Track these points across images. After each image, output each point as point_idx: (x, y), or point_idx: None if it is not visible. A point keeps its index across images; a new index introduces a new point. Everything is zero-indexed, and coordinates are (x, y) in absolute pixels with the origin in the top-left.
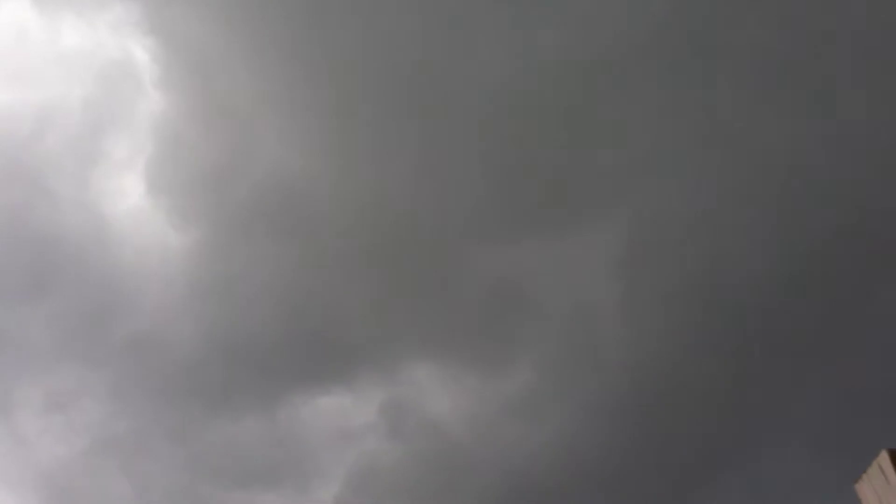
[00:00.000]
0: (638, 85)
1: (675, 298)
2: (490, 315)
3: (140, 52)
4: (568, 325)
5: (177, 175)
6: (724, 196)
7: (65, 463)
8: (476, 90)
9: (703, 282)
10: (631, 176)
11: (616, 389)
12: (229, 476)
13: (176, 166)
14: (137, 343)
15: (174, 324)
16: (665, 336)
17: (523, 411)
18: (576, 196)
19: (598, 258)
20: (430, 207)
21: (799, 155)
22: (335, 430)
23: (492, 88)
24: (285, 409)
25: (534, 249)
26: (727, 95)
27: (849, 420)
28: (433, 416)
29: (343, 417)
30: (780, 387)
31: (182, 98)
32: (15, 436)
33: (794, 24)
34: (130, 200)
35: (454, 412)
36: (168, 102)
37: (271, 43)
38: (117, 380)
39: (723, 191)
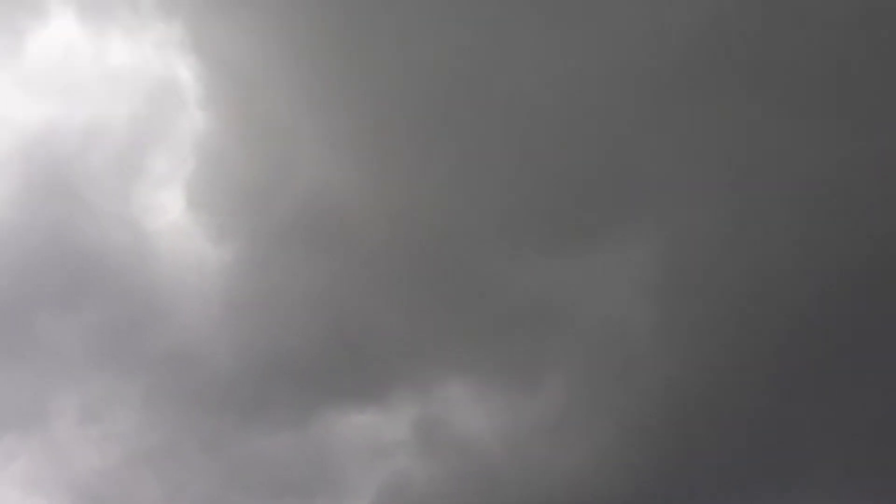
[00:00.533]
0: (678, 100)
1: (709, 319)
2: (522, 332)
3: (183, 71)
4: (600, 344)
5: (216, 191)
6: (761, 218)
7: (99, 472)
8: (512, 102)
9: (739, 303)
10: (668, 193)
11: (648, 410)
12: (261, 489)
13: (215, 183)
14: (173, 355)
15: (210, 337)
16: (698, 357)
17: (555, 430)
18: (611, 212)
19: (632, 276)
20: (465, 222)
21: (842, 176)
22: (367, 446)
23: (527, 101)
24: (318, 424)
25: (567, 266)
26: (771, 115)
27: (885, 450)
28: (465, 434)
29: (375, 433)
30: (817, 413)
31: (223, 116)
32: (51, 444)
33: (835, 46)
34: (170, 216)
35: (486, 430)
36: (209, 120)
37: (311, 60)
38: (151, 391)
39: (761, 213)
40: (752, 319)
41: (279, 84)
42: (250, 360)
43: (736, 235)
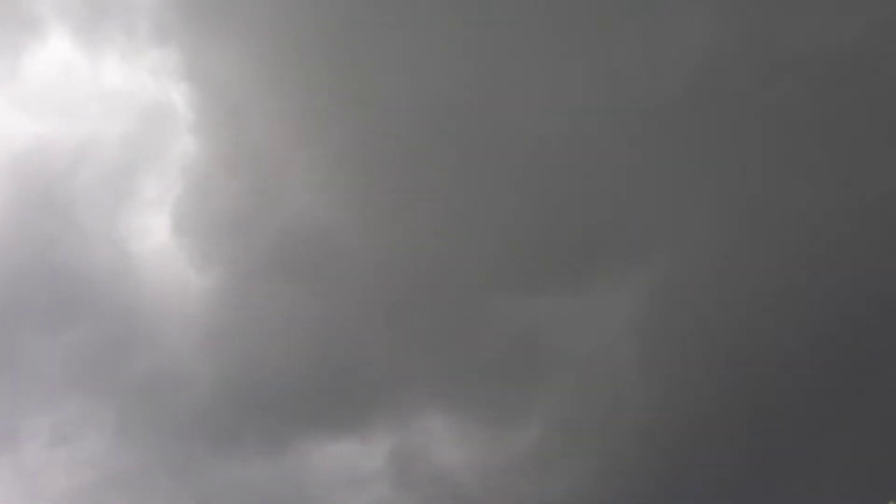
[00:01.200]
0: (668, 146)
1: (692, 361)
2: (506, 369)
3: (176, 96)
4: (584, 383)
5: (203, 217)
6: (745, 261)
7: (67, 496)
8: (503, 144)
9: (721, 344)
10: (653, 235)
11: (630, 449)
12: None
13: (202, 208)
14: (150, 380)
15: (189, 363)
16: (680, 398)
17: (535, 467)
18: (597, 253)
19: (617, 316)
20: (453, 258)
21: (826, 221)
22: (343, 475)
23: (518, 141)
24: (294, 453)
25: (553, 305)
26: (757, 160)
27: (864, 486)
28: (443, 467)
29: (352, 464)
30: (799, 451)
31: (214, 142)
32: (19, 466)
33: (823, 89)
34: (156, 239)
35: (464, 463)
36: (200, 146)
37: (303, 92)
38: (126, 415)
39: (746, 256)
40: (734, 360)
41: (270, 113)
42: (227, 388)
43: (720, 277)
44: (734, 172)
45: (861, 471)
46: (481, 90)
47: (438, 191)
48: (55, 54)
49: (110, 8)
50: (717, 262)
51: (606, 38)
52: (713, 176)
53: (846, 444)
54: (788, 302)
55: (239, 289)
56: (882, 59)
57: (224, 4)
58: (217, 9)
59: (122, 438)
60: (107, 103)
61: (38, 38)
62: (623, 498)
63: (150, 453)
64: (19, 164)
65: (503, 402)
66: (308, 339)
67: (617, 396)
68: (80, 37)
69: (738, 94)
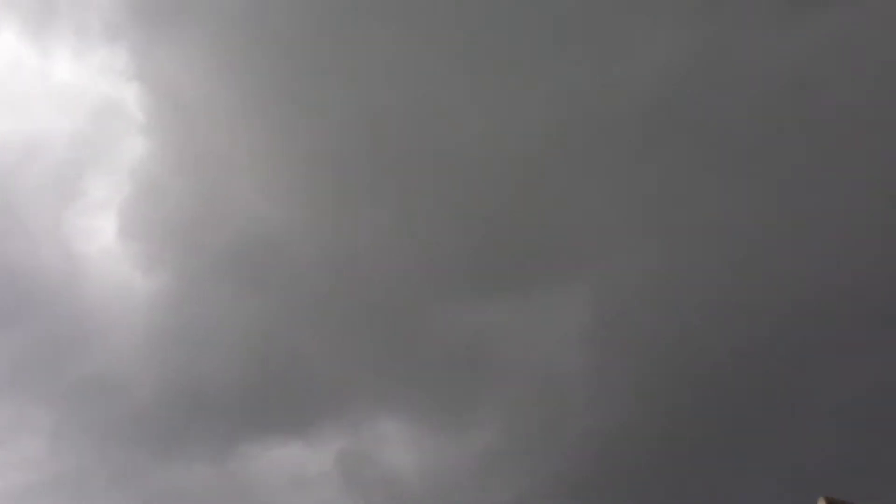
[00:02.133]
0: (615, 156)
1: (637, 368)
2: (457, 375)
3: (127, 96)
4: (534, 390)
5: (150, 220)
6: (686, 271)
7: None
8: (455, 153)
9: (669, 352)
10: (602, 245)
11: (575, 457)
12: None
13: (150, 211)
14: (91, 382)
15: (131, 367)
16: (626, 407)
17: (481, 473)
18: (548, 262)
19: (567, 324)
20: (402, 265)
21: (765, 233)
22: (289, 478)
23: (468, 151)
24: (239, 457)
25: (504, 312)
26: (700, 174)
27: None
28: (391, 470)
29: (298, 466)
30: (745, 460)
31: (164, 144)
32: None
33: (768, 113)
34: (102, 240)
35: (413, 467)
36: (150, 147)
37: (256, 95)
38: (63, 418)
39: (686, 266)
40: (676, 368)
41: (222, 117)
42: (170, 392)
43: (662, 287)
44: (676, 186)
45: (790, 470)
46: (433, 102)
47: (389, 200)
48: (3, 49)
49: (60, 4)
50: (660, 273)
51: (558, 58)
52: (658, 189)
53: (777, 445)
54: (728, 310)
55: (185, 293)
56: (824, 82)
57: (177, 5)
58: (170, 9)
59: (59, 442)
60: (55, 101)
61: None
62: (570, 501)
63: (88, 457)
64: None
65: (451, 408)
66: (255, 344)
67: (563, 403)
68: (28, 32)
69: (682, 113)
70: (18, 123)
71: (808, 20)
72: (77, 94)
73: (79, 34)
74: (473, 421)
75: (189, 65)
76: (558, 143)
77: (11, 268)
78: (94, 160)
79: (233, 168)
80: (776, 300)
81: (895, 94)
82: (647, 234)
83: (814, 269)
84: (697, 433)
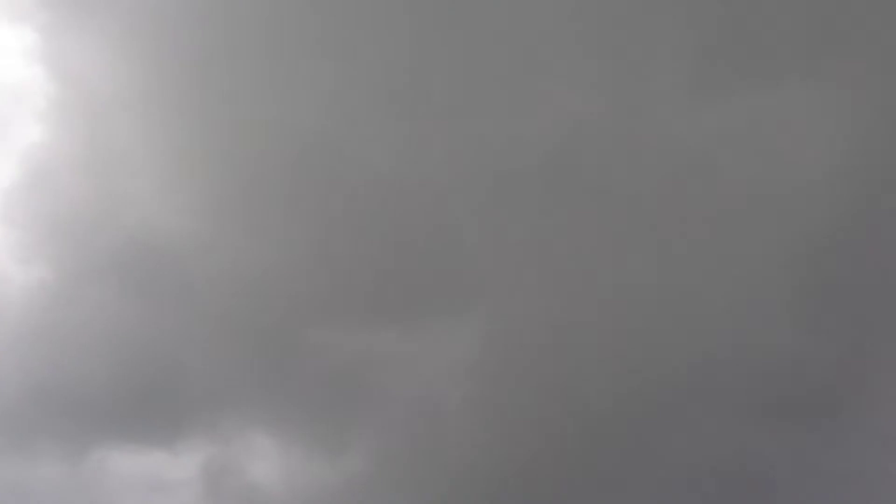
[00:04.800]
0: (519, 204)
1: (522, 400)
2: (337, 398)
3: (28, 79)
4: (414, 419)
5: (36, 210)
6: (583, 316)
7: None
8: (355, 177)
9: (554, 392)
10: (498, 285)
11: (457, 488)
12: None
13: (37, 201)
14: None
15: None
16: (508, 438)
17: (353, 496)
18: (443, 295)
19: (455, 356)
20: (285, 285)
21: (658, 297)
22: (147, 484)
23: (367, 177)
24: (95, 460)
25: (392, 340)
26: (600, 233)
27: None
28: (257, 484)
29: (157, 472)
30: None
31: (62, 133)
32: None
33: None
34: None
35: (281, 484)
36: (46, 134)
37: (169, 96)
38: None
39: (583, 312)
40: (563, 402)
41: (129, 114)
42: (32, 389)
43: (554, 331)
44: (576, 240)
45: None
46: (354, 128)
47: (289, 218)
48: None
49: None
50: (552, 317)
51: (473, 106)
52: (558, 240)
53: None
54: (614, 361)
55: (63, 290)
56: (730, 160)
57: None
58: None
59: None
60: None
61: None
62: None
63: None
64: None
65: (327, 431)
66: (131, 351)
67: (443, 435)
68: None
69: (588, 173)
70: None
71: (717, 101)
72: None
73: None
74: (348, 445)
75: (100, 55)
76: (464, 185)
77: None
78: None
79: (134, 168)
80: (657, 359)
81: (796, 180)
82: (542, 279)
83: (696, 337)
84: (577, 472)
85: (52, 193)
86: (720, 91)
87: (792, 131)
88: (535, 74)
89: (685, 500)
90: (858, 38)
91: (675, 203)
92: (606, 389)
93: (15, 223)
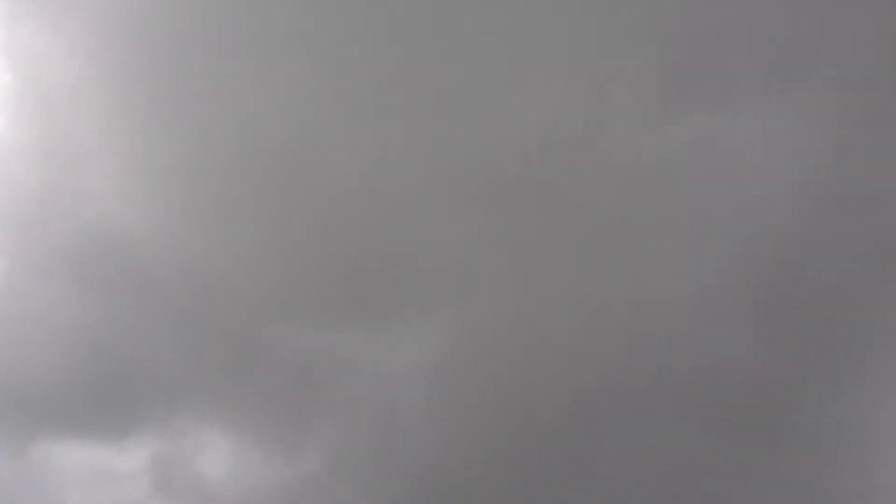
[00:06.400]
0: (490, 208)
1: (481, 404)
2: (295, 397)
3: None
4: (374, 420)
5: None
6: (538, 313)
7: None
8: (320, 182)
9: (518, 395)
10: (465, 288)
11: (416, 490)
12: None
13: None
14: None
15: None
16: (466, 441)
17: (307, 495)
18: (409, 297)
19: (419, 358)
20: (244, 283)
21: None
22: (94, 477)
23: (337, 183)
24: (40, 453)
25: (355, 341)
26: (567, 243)
27: None
28: (209, 479)
29: (107, 466)
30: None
31: (18, 125)
32: None
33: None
34: None
35: (232, 480)
36: (1, 125)
37: (130, 90)
38: None
39: (542, 306)
40: (524, 405)
41: (88, 108)
42: None
43: (520, 334)
44: (546, 253)
45: None
46: (321, 129)
47: (245, 216)
48: None
49: None
50: (519, 321)
51: (441, 109)
52: (527, 252)
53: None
54: (577, 357)
55: (14, 283)
56: (689, 177)
57: None
58: None
59: None
60: None
61: None
62: None
63: None
64: None
65: (283, 429)
66: (83, 346)
67: (403, 436)
68: None
69: (556, 185)
70: None
71: (681, 117)
72: None
73: None
74: (304, 444)
75: (59, 46)
76: (431, 188)
77: None
78: None
79: (92, 163)
80: (620, 365)
81: (756, 194)
82: (506, 283)
83: (657, 344)
84: (537, 475)
85: (7, 186)
86: (684, 108)
87: (753, 147)
88: (506, 84)
89: None
90: (817, 57)
91: (639, 214)
92: (567, 394)
93: None
